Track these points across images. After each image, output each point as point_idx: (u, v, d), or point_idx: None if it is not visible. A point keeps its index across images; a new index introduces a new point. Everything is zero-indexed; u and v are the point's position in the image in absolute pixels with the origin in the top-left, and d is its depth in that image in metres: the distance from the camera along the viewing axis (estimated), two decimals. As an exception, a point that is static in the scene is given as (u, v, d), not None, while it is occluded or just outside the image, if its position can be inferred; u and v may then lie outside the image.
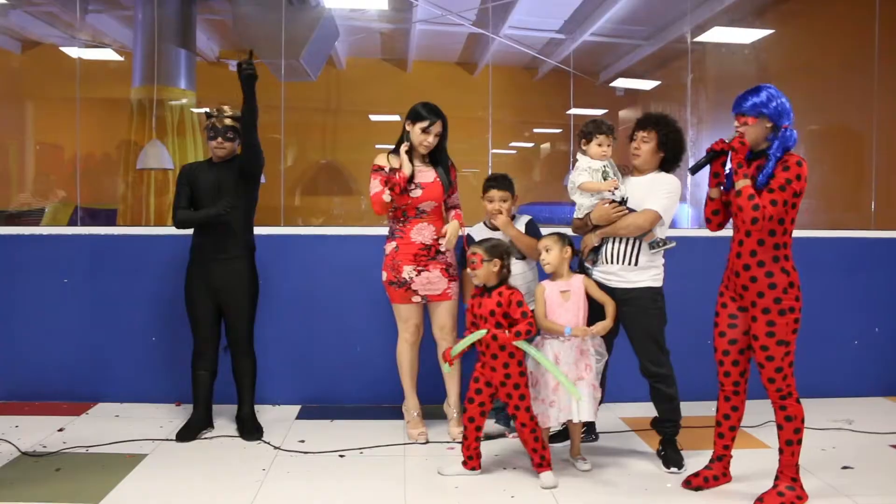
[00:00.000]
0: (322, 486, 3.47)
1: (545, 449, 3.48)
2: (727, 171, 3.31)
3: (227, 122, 4.06)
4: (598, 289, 3.71)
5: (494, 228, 4.07)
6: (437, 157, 4.10)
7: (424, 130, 3.98)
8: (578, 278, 3.70)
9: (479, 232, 4.11)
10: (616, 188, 3.74)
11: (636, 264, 3.72)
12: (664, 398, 3.75)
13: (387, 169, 4.03)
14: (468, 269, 3.57)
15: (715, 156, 3.26)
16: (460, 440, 4.08)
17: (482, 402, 3.53)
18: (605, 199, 3.73)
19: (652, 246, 3.71)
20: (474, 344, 3.49)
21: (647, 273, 3.73)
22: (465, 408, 3.55)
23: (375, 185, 4.00)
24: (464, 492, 3.41)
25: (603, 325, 3.62)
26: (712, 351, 3.40)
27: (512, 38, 8.16)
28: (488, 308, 3.46)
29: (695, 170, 3.27)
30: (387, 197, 3.94)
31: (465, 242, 3.95)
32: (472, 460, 3.59)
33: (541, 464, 3.47)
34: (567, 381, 3.44)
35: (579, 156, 3.87)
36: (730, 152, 3.21)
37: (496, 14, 7.66)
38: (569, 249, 3.69)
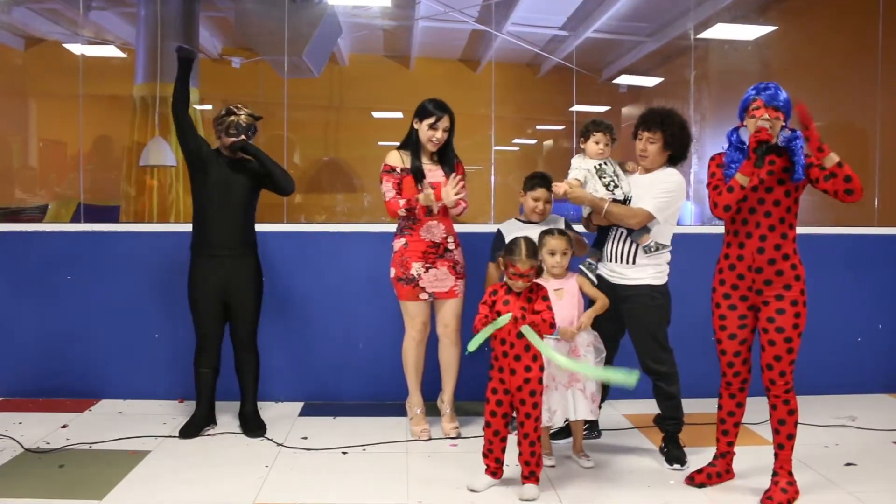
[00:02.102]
0: (325, 483, 3.47)
1: (538, 466, 3.37)
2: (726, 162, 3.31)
3: (248, 119, 4.05)
4: (590, 286, 3.72)
5: (528, 222, 4.06)
6: (443, 153, 4.10)
7: (432, 126, 3.98)
8: (572, 276, 3.70)
9: (510, 227, 4.07)
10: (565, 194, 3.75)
11: (633, 263, 3.72)
12: (665, 396, 3.75)
13: (398, 169, 4.02)
14: (517, 283, 3.30)
15: (768, 143, 3.10)
16: (453, 435, 4.11)
17: (505, 413, 3.38)
18: (603, 198, 3.72)
19: (646, 250, 3.70)
20: (491, 346, 3.38)
21: (646, 271, 3.72)
22: (488, 422, 3.40)
23: (388, 189, 4.01)
24: (467, 490, 3.41)
25: (587, 316, 3.65)
26: (718, 353, 3.39)
27: (515, 34, 8.16)
28: (518, 306, 3.30)
29: (761, 163, 3.16)
30: (402, 212, 3.96)
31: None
32: (499, 471, 3.47)
33: (528, 477, 3.36)
34: (576, 365, 3.38)
35: (575, 156, 3.88)
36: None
37: (499, 11, 7.66)
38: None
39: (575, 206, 3.95)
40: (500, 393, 3.36)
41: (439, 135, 3.99)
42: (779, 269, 3.19)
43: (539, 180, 4.03)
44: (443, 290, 4.06)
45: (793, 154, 3.16)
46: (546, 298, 3.35)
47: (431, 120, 3.98)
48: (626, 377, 3.17)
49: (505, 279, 3.37)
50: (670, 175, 3.74)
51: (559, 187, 3.72)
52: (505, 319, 3.21)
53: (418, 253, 4.03)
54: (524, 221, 4.09)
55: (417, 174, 4.01)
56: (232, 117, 4.03)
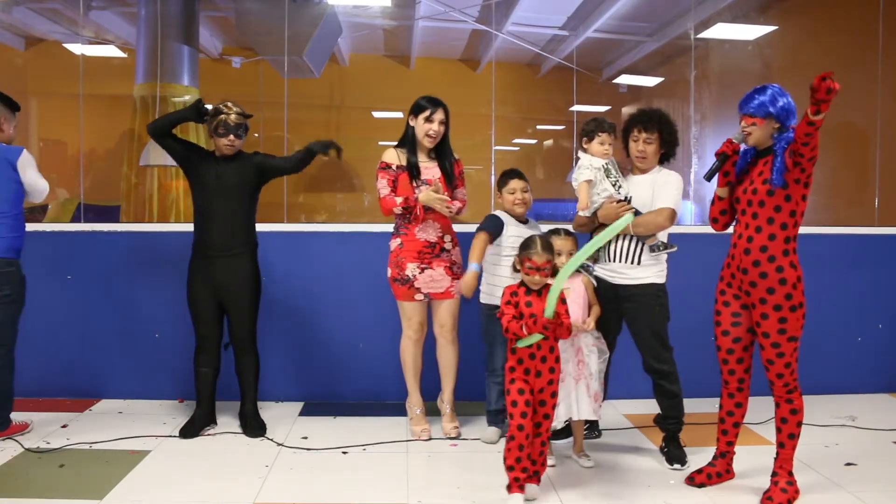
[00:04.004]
0: (325, 483, 3.47)
1: (543, 466, 3.37)
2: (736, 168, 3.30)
3: (237, 119, 4.03)
4: (592, 290, 3.72)
5: (519, 221, 4.06)
6: (440, 149, 4.10)
7: (427, 119, 3.99)
8: (578, 277, 3.70)
9: (507, 218, 4.05)
10: (585, 209, 3.74)
11: (639, 263, 3.72)
12: (667, 395, 3.75)
13: (394, 167, 4.02)
14: (535, 277, 3.23)
15: (726, 158, 3.21)
16: (453, 435, 4.11)
17: (532, 414, 3.25)
18: (611, 196, 3.72)
19: (653, 249, 3.70)
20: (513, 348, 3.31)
21: (650, 270, 3.72)
22: (521, 425, 3.17)
23: (384, 186, 4.01)
24: (467, 490, 3.41)
25: (593, 315, 3.63)
26: (715, 350, 3.40)
27: (515, 34, 8.15)
28: (540, 308, 3.21)
29: (710, 176, 3.19)
30: (398, 210, 3.97)
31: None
32: (524, 483, 3.29)
33: (532, 476, 3.34)
34: (589, 246, 3.10)
35: (581, 154, 3.86)
36: (734, 148, 3.21)
37: (499, 10, 7.65)
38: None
39: (574, 206, 3.94)
40: (527, 393, 3.23)
41: (436, 127, 4.00)
42: (762, 271, 3.16)
43: (509, 173, 4.09)
44: (438, 290, 4.05)
45: (775, 157, 3.13)
46: (564, 302, 3.32)
47: (426, 113, 3.99)
48: (622, 221, 3.09)
49: (522, 278, 3.32)
50: (671, 174, 3.76)
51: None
52: (536, 338, 3.16)
53: (413, 253, 4.03)
54: (516, 219, 4.08)
55: (413, 170, 4.01)
56: (221, 116, 4.02)
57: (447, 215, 4.03)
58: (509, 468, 3.23)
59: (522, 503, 3.23)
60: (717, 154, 3.20)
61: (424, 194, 3.91)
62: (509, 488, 3.25)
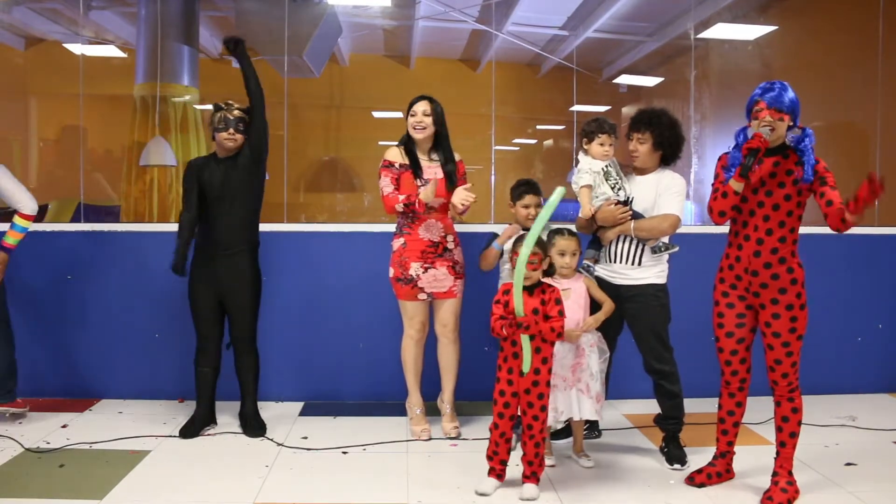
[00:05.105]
0: (325, 483, 3.47)
1: (540, 466, 3.37)
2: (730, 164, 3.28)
3: (237, 113, 4.05)
4: (598, 288, 3.70)
5: (525, 230, 4.03)
6: (439, 149, 4.10)
7: (411, 114, 4.04)
8: (579, 277, 3.69)
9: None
10: (591, 216, 3.75)
11: (639, 264, 3.72)
12: (668, 395, 3.75)
13: (397, 165, 4.03)
14: (526, 271, 3.19)
15: (758, 153, 3.09)
16: (453, 435, 4.11)
17: (513, 416, 3.36)
18: (610, 199, 3.72)
19: (654, 250, 3.70)
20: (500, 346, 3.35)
21: (651, 270, 3.72)
22: (496, 423, 3.34)
23: (387, 184, 4.01)
24: (467, 490, 3.40)
25: (594, 319, 3.62)
26: (716, 351, 3.39)
27: (515, 34, 8.17)
28: (531, 307, 3.24)
29: (746, 172, 3.10)
30: (399, 207, 3.96)
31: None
32: (504, 473, 3.42)
33: (529, 476, 3.36)
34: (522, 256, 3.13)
35: (581, 156, 3.86)
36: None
37: (499, 10, 7.66)
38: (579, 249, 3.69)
39: (575, 207, 3.94)
40: (507, 395, 3.32)
41: (419, 117, 4.02)
42: (774, 272, 3.17)
43: (525, 187, 4.02)
44: (441, 290, 4.05)
45: (802, 154, 3.13)
46: (559, 302, 3.31)
47: (410, 109, 4.04)
48: (556, 196, 3.16)
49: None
50: (676, 178, 3.75)
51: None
52: (527, 365, 3.20)
53: (417, 252, 4.03)
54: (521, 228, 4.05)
55: (416, 168, 4.01)
56: (220, 112, 4.05)
57: (452, 215, 4.05)
58: (487, 458, 3.43)
59: (491, 489, 3.36)
60: (747, 149, 3.09)
61: (424, 193, 3.91)
62: (499, 477, 3.43)
